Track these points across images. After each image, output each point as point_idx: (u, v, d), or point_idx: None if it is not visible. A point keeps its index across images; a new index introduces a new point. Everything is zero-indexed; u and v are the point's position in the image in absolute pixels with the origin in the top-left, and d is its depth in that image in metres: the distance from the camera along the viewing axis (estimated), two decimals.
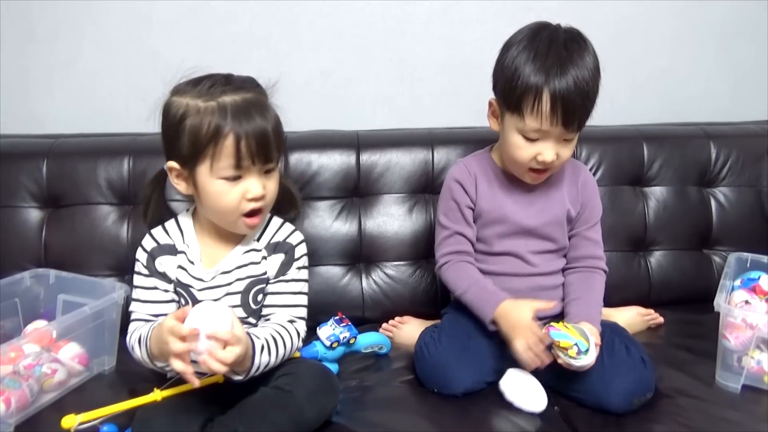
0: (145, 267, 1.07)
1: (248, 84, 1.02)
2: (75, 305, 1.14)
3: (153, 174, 1.13)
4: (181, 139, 0.98)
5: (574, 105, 1.07)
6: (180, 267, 1.07)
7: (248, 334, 0.98)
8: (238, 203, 1.00)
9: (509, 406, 1.09)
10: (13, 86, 1.53)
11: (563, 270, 1.26)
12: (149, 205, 1.11)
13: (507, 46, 1.15)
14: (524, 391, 1.09)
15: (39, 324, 1.19)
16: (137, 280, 1.08)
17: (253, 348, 0.96)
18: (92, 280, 1.24)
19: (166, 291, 1.07)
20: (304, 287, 1.11)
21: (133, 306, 1.08)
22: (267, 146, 0.98)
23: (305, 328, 1.09)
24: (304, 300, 1.11)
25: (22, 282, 1.22)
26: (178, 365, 0.90)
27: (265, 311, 1.09)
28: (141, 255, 1.08)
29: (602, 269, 1.24)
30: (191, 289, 1.06)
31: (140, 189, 1.30)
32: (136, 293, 1.08)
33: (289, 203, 1.15)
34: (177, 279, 1.06)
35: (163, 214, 1.12)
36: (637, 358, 1.10)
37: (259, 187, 1.00)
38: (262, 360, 0.98)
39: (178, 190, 1.05)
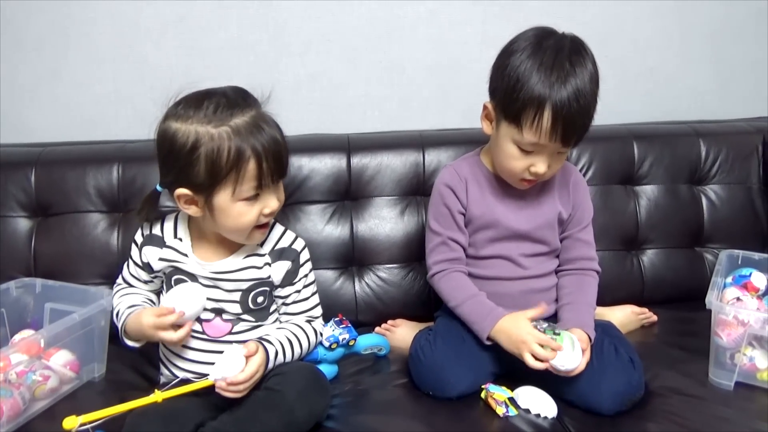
0: (138, 249, 1.12)
1: (248, 100, 1.01)
2: (62, 313, 1.13)
3: (142, 182, 1.16)
4: (196, 168, 0.96)
5: (574, 123, 1.05)
6: (163, 259, 1.08)
7: (261, 343, 1.02)
8: (256, 220, 1.02)
9: None
10: (1, 95, 1.52)
11: (556, 272, 1.25)
12: (147, 219, 1.12)
13: (509, 52, 1.10)
14: (538, 399, 1.09)
15: (26, 333, 1.18)
16: (133, 251, 1.13)
17: (267, 355, 1.01)
18: (79, 288, 1.23)
19: (143, 278, 1.14)
20: (314, 288, 1.15)
21: (124, 268, 1.16)
22: (283, 161, 1.01)
23: (322, 324, 1.16)
24: (316, 299, 1.16)
25: (8, 292, 1.21)
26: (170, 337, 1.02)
27: (282, 318, 1.13)
28: (138, 237, 1.12)
29: (595, 270, 1.23)
30: (182, 278, 1.08)
31: (133, 203, 1.34)
32: (128, 262, 1.15)
33: None
34: (163, 272, 1.09)
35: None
36: (626, 360, 1.10)
37: (276, 202, 1.03)
38: (277, 362, 1.03)
39: (186, 212, 1.04)
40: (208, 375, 0.97)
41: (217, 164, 0.95)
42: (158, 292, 1.15)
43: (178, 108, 0.99)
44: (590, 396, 1.07)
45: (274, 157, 0.98)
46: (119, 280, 1.17)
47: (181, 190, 1.00)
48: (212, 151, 0.95)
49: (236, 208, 0.99)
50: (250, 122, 0.97)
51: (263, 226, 1.05)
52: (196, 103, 0.98)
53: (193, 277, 1.07)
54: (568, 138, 1.07)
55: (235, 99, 0.99)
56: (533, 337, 1.06)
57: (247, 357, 0.97)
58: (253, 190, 0.98)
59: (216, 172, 0.96)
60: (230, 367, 0.96)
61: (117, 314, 1.10)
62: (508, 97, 1.08)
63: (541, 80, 1.04)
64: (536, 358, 1.05)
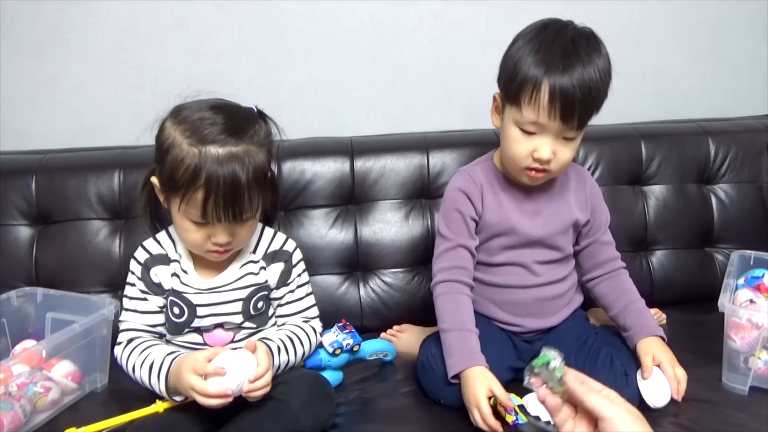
0: (140, 279, 1.07)
1: (247, 132, 0.97)
2: (64, 323, 1.12)
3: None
4: (163, 167, 0.98)
5: (573, 99, 1.03)
6: (174, 275, 1.06)
7: (263, 340, 1.01)
8: (203, 242, 1.00)
9: None
10: (0, 102, 1.51)
11: (586, 281, 1.24)
12: (144, 187, 1.10)
13: (514, 39, 1.11)
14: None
15: (28, 344, 1.17)
16: (130, 291, 1.08)
17: (270, 350, 0.99)
18: (81, 297, 1.22)
19: (159, 304, 1.07)
20: (308, 288, 1.15)
21: (124, 316, 1.08)
22: (238, 206, 0.96)
23: (320, 324, 1.14)
24: (312, 300, 1.15)
25: (9, 302, 1.20)
26: (204, 401, 0.91)
27: (279, 321, 1.12)
28: (135, 267, 1.08)
29: (623, 267, 1.23)
30: (186, 296, 1.05)
31: (134, 210, 1.32)
32: (130, 304, 1.07)
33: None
34: (172, 288, 1.06)
35: (154, 213, 1.11)
36: (620, 372, 1.08)
37: (224, 236, 0.99)
38: (281, 359, 1.02)
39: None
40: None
41: (174, 175, 0.96)
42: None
43: (184, 109, 1.00)
44: None
45: (226, 197, 0.94)
46: (124, 336, 1.06)
47: (154, 179, 1.03)
48: (175, 161, 0.95)
49: (181, 222, 1.00)
50: (222, 155, 0.94)
51: (219, 253, 1.02)
52: (199, 111, 0.98)
53: (192, 295, 1.05)
54: (568, 116, 1.04)
55: (233, 126, 0.96)
56: (478, 405, 1.01)
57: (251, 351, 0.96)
58: (198, 217, 0.97)
59: (172, 181, 0.97)
60: (243, 370, 0.92)
61: (151, 366, 0.99)
62: (509, 78, 1.08)
63: (540, 57, 1.04)
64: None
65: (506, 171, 1.19)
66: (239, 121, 0.98)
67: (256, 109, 1.04)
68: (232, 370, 0.92)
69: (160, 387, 0.98)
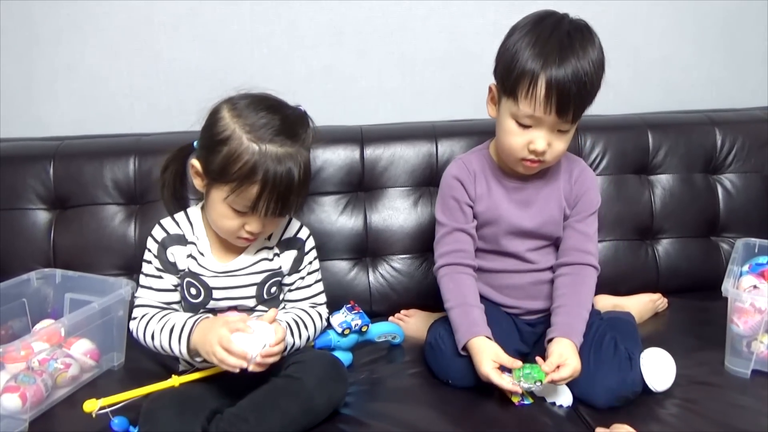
0: (156, 257, 1.09)
1: (300, 135, 1.01)
2: (82, 303, 1.14)
3: (158, 174, 1.15)
4: (215, 157, 1.00)
5: (569, 94, 1.04)
6: (190, 256, 1.09)
7: None
8: (236, 230, 1.04)
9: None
10: (18, 90, 1.54)
11: (554, 266, 1.22)
12: (167, 170, 1.13)
13: (511, 32, 1.13)
14: (553, 387, 1.09)
15: (47, 323, 1.20)
16: (146, 268, 1.10)
17: None
18: (98, 278, 1.24)
19: (173, 282, 1.10)
20: (318, 275, 1.17)
21: (140, 292, 1.10)
22: (286, 203, 1.01)
23: (327, 310, 1.17)
24: (320, 286, 1.17)
25: (29, 282, 1.23)
26: (224, 356, 0.95)
27: (287, 306, 1.15)
28: (152, 245, 1.10)
29: (590, 264, 1.17)
30: (202, 278, 1.08)
31: (149, 195, 1.37)
32: (146, 281, 1.10)
33: None
34: (188, 269, 1.08)
35: (177, 191, 1.15)
36: (624, 357, 1.08)
37: (259, 226, 1.04)
38: (287, 341, 1.03)
39: (193, 181, 1.07)
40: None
41: (230, 167, 0.98)
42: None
43: (241, 100, 1.02)
44: (585, 389, 1.07)
45: (279, 195, 0.99)
46: (139, 311, 1.08)
47: (196, 162, 1.04)
48: (232, 154, 0.98)
49: (222, 209, 1.02)
50: (280, 154, 0.98)
51: (248, 239, 1.06)
52: (256, 107, 1.01)
53: (208, 278, 1.08)
54: (563, 110, 1.06)
55: (289, 128, 1.01)
56: (486, 375, 1.04)
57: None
58: (244, 207, 1.01)
59: (225, 172, 0.99)
60: (263, 337, 0.96)
61: (172, 329, 1.03)
62: (506, 71, 1.09)
63: (537, 52, 1.05)
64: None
65: (500, 161, 1.21)
66: (294, 124, 1.02)
67: (302, 110, 1.07)
68: (256, 334, 0.96)
69: (180, 348, 1.01)
